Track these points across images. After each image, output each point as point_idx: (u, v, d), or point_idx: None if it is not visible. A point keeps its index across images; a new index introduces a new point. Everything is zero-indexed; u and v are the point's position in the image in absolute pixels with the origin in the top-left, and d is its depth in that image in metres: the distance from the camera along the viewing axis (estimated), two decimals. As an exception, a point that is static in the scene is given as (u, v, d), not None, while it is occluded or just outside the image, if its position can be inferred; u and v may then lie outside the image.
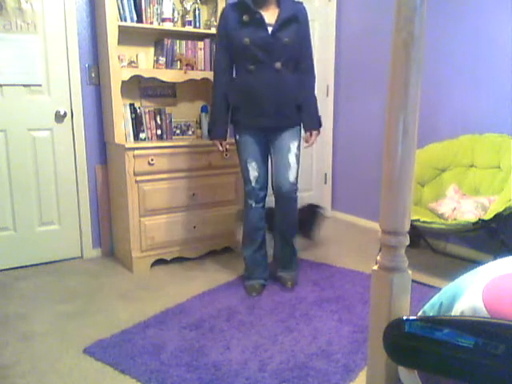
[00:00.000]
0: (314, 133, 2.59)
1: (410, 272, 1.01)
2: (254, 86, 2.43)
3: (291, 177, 2.52)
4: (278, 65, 2.39)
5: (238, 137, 2.57)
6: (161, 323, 2.27)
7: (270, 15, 2.40)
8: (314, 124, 2.59)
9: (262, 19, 2.37)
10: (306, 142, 2.60)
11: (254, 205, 2.58)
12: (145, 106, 3.21)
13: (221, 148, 2.65)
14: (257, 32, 2.37)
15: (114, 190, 3.18)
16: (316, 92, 2.65)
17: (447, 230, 2.86)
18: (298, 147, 2.56)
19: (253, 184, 2.55)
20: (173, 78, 3.13)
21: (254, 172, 2.54)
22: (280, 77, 2.41)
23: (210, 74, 3.25)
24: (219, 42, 2.52)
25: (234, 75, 2.58)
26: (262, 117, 2.45)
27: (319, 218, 3.43)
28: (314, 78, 2.62)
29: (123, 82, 2.94)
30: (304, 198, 4.14)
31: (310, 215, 3.39)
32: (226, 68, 2.53)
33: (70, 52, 3.02)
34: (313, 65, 2.59)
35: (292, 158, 2.52)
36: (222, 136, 2.61)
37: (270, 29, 2.38)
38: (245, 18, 2.37)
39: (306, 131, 2.60)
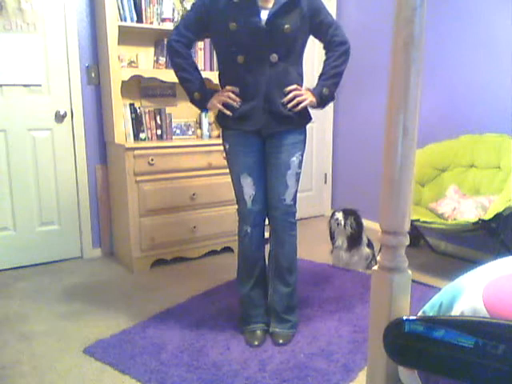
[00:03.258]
0: (309, 96, 2.00)
1: (409, 272, 1.01)
2: (243, 82, 1.97)
3: (288, 199, 2.06)
4: (274, 57, 1.94)
5: (227, 145, 2.11)
6: (161, 323, 2.27)
7: None
8: (319, 90, 2.02)
9: (253, 0, 1.91)
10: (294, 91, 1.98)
11: (249, 230, 2.10)
12: (145, 106, 3.21)
13: (229, 100, 1.99)
14: (246, 16, 1.91)
15: (114, 190, 3.18)
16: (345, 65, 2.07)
17: (447, 230, 2.86)
18: (300, 163, 2.08)
19: (248, 205, 2.07)
20: (173, 78, 3.10)
21: (249, 190, 2.06)
22: (277, 71, 1.95)
23: (210, 74, 3.25)
24: (191, 13, 2.04)
25: (220, 67, 2.15)
26: (253, 118, 1.99)
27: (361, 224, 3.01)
28: (346, 47, 2.05)
29: (123, 81, 2.94)
30: (304, 197, 4.15)
31: (356, 223, 2.97)
32: (185, 46, 2.05)
33: (70, 52, 3.02)
34: (342, 33, 2.05)
35: (291, 179, 2.05)
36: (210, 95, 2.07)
37: (264, 12, 1.93)
38: None
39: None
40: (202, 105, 2.10)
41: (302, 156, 2.11)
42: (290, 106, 1.99)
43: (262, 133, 2.03)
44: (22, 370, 1.89)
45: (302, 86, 2.07)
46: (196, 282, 2.79)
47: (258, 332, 2.13)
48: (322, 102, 2.06)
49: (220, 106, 2.03)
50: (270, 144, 2.07)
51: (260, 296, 2.19)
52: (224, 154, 2.19)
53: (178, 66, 2.06)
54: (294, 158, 2.06)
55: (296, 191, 2.10)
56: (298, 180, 2.09)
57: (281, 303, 2.16)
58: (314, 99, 2.02)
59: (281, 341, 2.09)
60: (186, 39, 2.04)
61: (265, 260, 2.20)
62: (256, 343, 2.08)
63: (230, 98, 2.00)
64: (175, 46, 2.03)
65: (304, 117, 2.10)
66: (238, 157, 2.08)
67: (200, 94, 2.06)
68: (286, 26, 1.92)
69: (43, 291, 2.68)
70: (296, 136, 2.07)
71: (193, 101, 2.10)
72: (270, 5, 1.94)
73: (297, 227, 2.15)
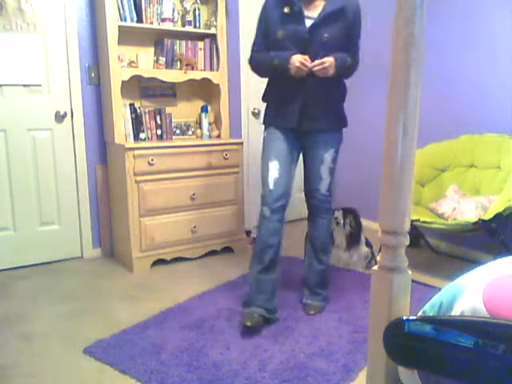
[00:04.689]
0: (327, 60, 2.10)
1: (409, 272, 1.01)
2: (285, 84, 2.21)
3: (323, 189, 2.32)
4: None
5: (265, 133, 2.32)
6: (161, 323, 2.27)
7: (314, 8, 2.17)
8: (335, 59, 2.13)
9: (300, 11, 2.15)
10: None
11: (268, 214, 2.19)
12: (145, 106, 3.21)
13: (306, 61, 2.09)
14: (293, 25, 2.16)
15: (113, 190, 3.18)
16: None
17: (447, 230, 2.86)
18: (334, 159, 2.32)
19: (271, 186, 2.20)
20: (173, 78, 3.13)
21: (274, 172, 2.21)
22: (315, 76, 2.13)
23: (210, 74, 3.25)
24: (258, 29, 2.29)
25: None
26: (292, 117, 2.22)
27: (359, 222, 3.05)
28: (356, 63, 2.28)
29: (123, 82, 2.94)
30: (303, 197, 4.14)
31: (355, 222, 2.99)
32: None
33: (70, 52, 3.02)
34: (358, 55, 2.28)
35: (324, 172, 2.29)
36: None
37: (309, 21, 2.15)
38: (285, 9, 2.16)
39: None
40: (285, 65, 2.15)
41: (337, 153, 2.34)
42: (316, 69, 2.10)
43: (295, 131, 2.26)
44: (21, 370, 1.89)
45: (341, 90, 2.38)
46: (196, 282, 2.79)
47: (255, 315, 2.16)
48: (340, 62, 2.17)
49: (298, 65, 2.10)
50: (305, 141, 2.30)
51: (266, 283, 2.22)
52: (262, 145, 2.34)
53: (264, 68, 2.28)
54: (327, 154, 2.29)
55: (331, 182, 2.34)
56: (332, 173, 2.33)
57: (314, 278, 2.41)
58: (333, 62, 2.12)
59: (312, 312, 2.35)
60: (262, 51, 2.27)
61: (278, 250, 2.24)
62: (248, 324, 2.11)
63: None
64: (255, 58, 2.29)
65: (339, 120, 2.37)
66: (271, 142, 2.27)
67: (279, 61, 2.18)
68: (326, 35, 2.14)
69: (43, 291, 2.68)
70: (330, 135, 2.31)
71: (280, 68, 2.18)
72: (316, 14, 2.16)
73: (331, 213, 2.45)
